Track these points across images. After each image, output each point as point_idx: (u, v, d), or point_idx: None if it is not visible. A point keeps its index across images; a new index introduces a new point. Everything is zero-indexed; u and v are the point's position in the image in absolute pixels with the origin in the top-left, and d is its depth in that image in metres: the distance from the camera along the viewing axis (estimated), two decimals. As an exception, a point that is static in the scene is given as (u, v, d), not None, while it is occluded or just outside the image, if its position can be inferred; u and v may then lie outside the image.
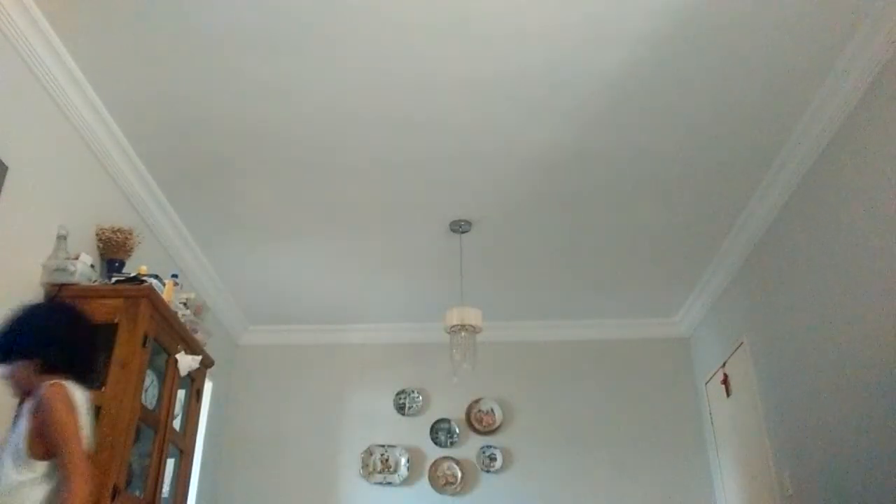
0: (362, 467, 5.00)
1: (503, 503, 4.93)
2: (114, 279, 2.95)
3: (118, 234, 3.16)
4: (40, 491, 1.78)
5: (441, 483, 4.97)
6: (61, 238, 2.85)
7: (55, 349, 1.99)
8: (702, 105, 3.10)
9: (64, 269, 2.77)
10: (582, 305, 5.15)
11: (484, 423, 5.15)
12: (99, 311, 2.74)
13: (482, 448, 5.06)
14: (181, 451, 3.23)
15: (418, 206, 3.88)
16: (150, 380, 2.90)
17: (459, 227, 4.04)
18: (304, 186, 3.68)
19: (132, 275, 2.95)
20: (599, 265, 4.54)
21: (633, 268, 4.58)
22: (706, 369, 4.99)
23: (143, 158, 3.43)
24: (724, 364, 4.60)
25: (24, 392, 1.96)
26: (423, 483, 4.98)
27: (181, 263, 4.15)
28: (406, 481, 4.98)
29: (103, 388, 2.63)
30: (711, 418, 4.90)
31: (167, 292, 3.04)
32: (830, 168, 3.14)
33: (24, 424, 1.85)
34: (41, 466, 1.79)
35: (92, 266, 2.87)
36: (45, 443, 1.81)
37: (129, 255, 3.20)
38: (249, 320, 5.38)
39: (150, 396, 2.90)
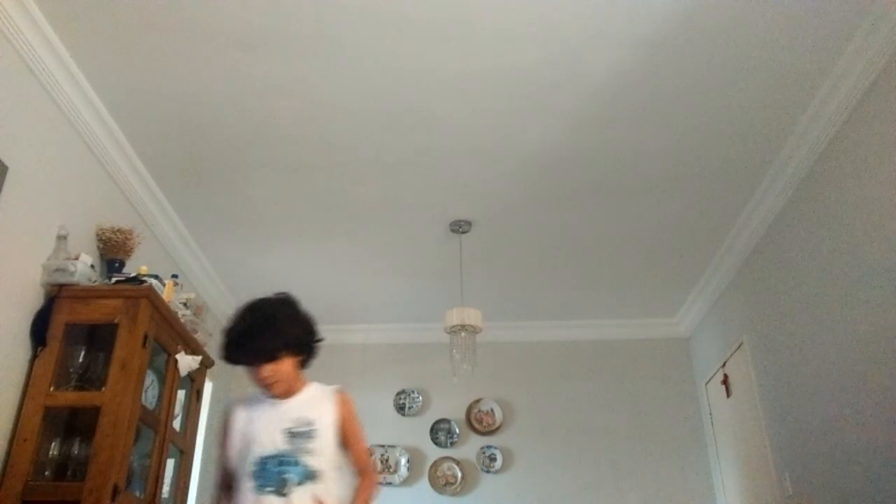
0: (362, 467, 5.00)
1: (503, 503, 4.93)
2: (114, 279, 2.95)
3: (118, 234, 3.15)
4: (343, 478, 2.00)
5: (441, 483, 4.97)
6: (61, 238, 2.84)
7: (316, 345, 2.09)
8: (702, 105, 3.09)
9: (64, 270, 2.77)
10: (582, 305, 5.15)
11: (484, 423, 5.15)
12: (99, 311, 2.75)
13: (482, 448, 5.06)
14: (181, 451, 3.22)
15: (418, 206, 3.88)
16: (150, 380, 2.90)
17: (459, 227, 4.04)
18: (304, 186, 3.68)
19: (132, 275, 2.95)
20: (599, 265, 4.54)
21: (633, 268, 4.58)
22: (706, 369, 4.99)
23: (142, 158, 3.43)
24: (723, 364, 4.60)
25: (285, 391, 2.02)
26: (423, 483, 4.98)
27: (181, 263, 4.15)
28: (406, 481, 4.98)
29: (103, 389, 2.64)
30: (711, 418, 4.90)
31: (167, 292, 3.04)
32: (830, 168, 3.14)
33: (326, 421, 2.00)
34: (340, 457, 2.01)
35: (92, 266, 2.87)
36: (341, 438, 2.02)
37: (129, 255, 3.20)
38: (249, 320, 5.37)
39: (150, 396, 2.90)
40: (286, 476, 1.88)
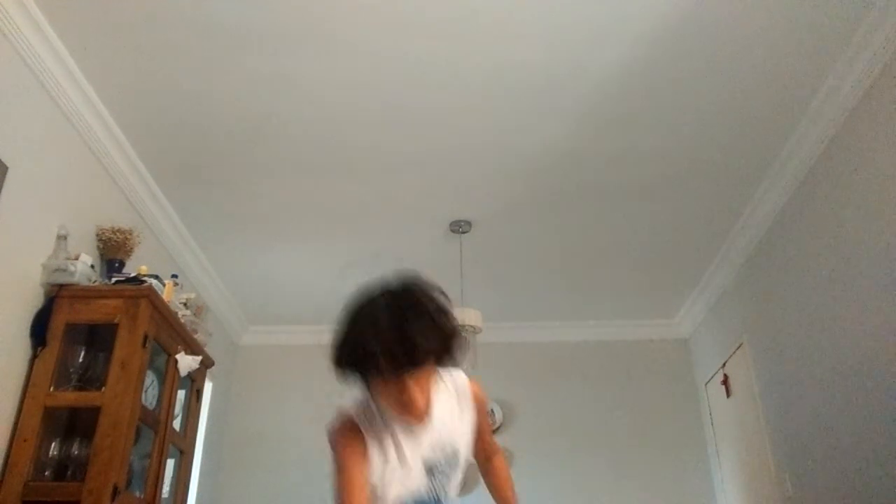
0: (362, 467, 4.99)
1: (503, 503, 4.92)
2: (114, 279, 2.95)
3: (118, 234, 3.15)
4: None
5: (441, 483, 4.96)
6: (61, 238, 2.84)
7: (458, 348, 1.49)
8: (702, 105, 3.09)
9: (64, 269, 2.77)
10: (582, 306, 5.15)
11: (484, 424, 5.14)
12: (99, 311, 2.75)
13: (482, 448, 5.05)
14: (181, 451, 3.22)
15: (418, 207, 3.88)
16: (150, 380, 2.90)
17: (459, 227, 4.04)
18: (304, 186, 3.68)
19: (132, 275, 2.94)
20: (599, 266, 4.54)
21: (634, 268, 4.58)
22: (706, 370, 4.99)
23: (142, 158, 3.43)
24: (723, 365, 4.60)
25: (424, 412, 1.41)
26: (423, 483, 4.97)
27: (181, 263, 4.15)
28: (406, 482, 4.97)
29: (103, 389, 2.64)
30: (711, 419, 4.90)
31: (167, 292, 3.04)
32: (830, 168, 3.14)
33: (467, 440, 1.61)
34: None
35: (92, 266, 2.87)
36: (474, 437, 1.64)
37: (129, 255, 3.19)
38: (249, 320, 5.37)
39: (150, 396, 2.90)
40: None
